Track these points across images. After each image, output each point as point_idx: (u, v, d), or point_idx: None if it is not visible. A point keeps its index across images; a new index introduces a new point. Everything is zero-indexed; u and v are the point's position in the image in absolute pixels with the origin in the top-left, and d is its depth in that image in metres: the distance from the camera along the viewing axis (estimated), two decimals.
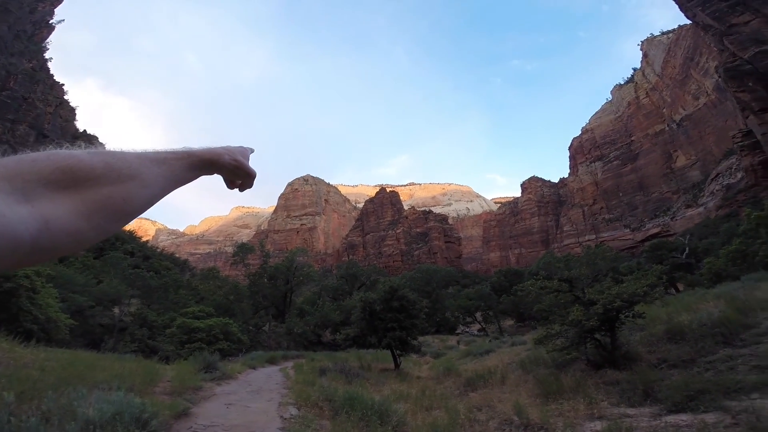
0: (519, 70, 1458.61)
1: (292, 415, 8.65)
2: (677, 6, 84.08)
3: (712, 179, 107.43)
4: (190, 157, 0.87)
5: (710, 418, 6.52)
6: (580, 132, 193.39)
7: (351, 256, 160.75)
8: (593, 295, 12.11)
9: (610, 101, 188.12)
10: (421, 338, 24.34)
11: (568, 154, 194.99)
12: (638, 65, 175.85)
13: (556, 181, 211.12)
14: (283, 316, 41.42)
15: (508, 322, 53.56)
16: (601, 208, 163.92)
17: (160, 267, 52.87)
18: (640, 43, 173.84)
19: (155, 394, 9.28)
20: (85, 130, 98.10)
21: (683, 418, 6.88)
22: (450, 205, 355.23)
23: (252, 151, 1.09)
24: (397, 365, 20.09)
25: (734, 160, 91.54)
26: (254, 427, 7.74)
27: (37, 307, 17.34)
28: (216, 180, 1.02)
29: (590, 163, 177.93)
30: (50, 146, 0.70)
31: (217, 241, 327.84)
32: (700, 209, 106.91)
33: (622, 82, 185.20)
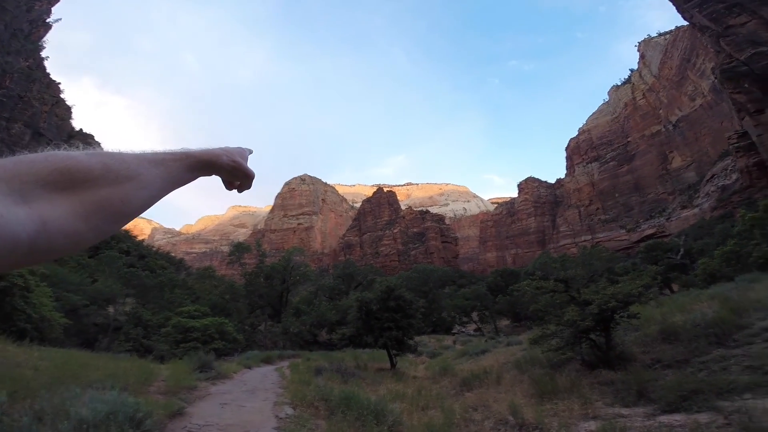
0: (517, 70, 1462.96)
1: (287, 414, 8.64)
2: (674, 7, 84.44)
3: (708, 180, 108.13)
4: (188, 158, 0.87)
5: (703, 418, 6.57)
6: (577, 133, 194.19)
7: (348, 256, 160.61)
8: (588, 296, 12.16)
9: (607, 102, 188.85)
10: (417, 338, 24.35)
11: (565, 155, 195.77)
12: (635, 66, 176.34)
13: (553, 182, 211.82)
14: (279, 316, 41.31)
15: (504, 322, 53.71)
16: (597, 208, 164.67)
17: (155, 266, 52.72)
18: (638, 44, 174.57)
19: (150, 394, 9.24)
20: (81, 129, 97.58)
21: (677, 418, 6.93)
22: (447, 205, 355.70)
23: (250, 152, 1.08)
24: (393, 365, 20.09)
25: (729, 161, 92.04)
26: (249, 427, 7.72)
27: (31, 306, 17.21)
28: (212, 179, 1.01)
29: (587, 163, 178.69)
30: (49, 147, 0.69)
31: (214, 240, 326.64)
32: (696, 210, 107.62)
33: (619, 83, 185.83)
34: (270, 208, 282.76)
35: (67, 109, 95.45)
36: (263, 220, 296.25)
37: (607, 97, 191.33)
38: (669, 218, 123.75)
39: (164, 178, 0.80)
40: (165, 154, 0.83)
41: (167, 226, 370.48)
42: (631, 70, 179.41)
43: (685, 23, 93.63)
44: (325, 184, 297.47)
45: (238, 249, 49.73)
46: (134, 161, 0.75)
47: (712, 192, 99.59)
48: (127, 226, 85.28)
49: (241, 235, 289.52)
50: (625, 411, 7.93)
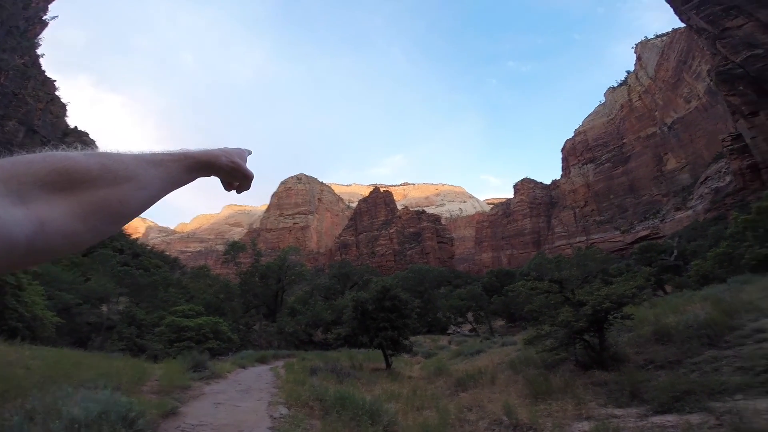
0: (515, 71, 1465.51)
1: (282, 414, 8.61)
2: (672, 9, 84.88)
3: (701, 182, 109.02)
4: (187, 158, 0.86)
5: (695, 418, 6.62)
6: (573, 134, 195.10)
7: (344, 256, 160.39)
8: (583, 297, 12.23)
9: (603, 104, 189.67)
10: (412, 338, 24.39)
11: (561, 156, 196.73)
12: (632, 68, 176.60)
13: (549, 183, 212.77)
14: (274, 315, 41.20)
15: (499, 323, 53.89)
16: (592, 210, 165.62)
17: (149, 265, 52.40)
18: (635, 45, 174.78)
19: (143, 393, 9.19)
20: (75, 127, 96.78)
21: (669, 418, 6.98)
22: (443, 205, 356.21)
23: (249, 153, 1.08)
24: (388, 365, 20.11)
25: (723, 163, 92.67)
26: (243, 427, 7.69)
27: (23, 305, 17.05)
28: (208, 178, 1.00)
29: (582, 165, 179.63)
30: (47, 148, 0.68)
31: (209, 239, 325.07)
32: (689, 212, 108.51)
33: (616, 85, 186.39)
34: (266, 207, 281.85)
35: (62, 107, 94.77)
36: (259, 219, 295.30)
37: (603, 99, 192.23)
38: (663, 220, 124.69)
39: (163, 178, 0.80)
40: (164, 154, 0.83)
41: (162, 225, 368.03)
42: (628, 72, 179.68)
43: (682, 25, 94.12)
44: (322, 183, 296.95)
45: (234, 248, 49.56)
46: (133, 162, 0.74)
47: (706, 194, 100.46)
48: None
49: (237, 234, 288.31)
50: (618, 411, 7.98)
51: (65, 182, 0.63)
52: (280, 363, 20.48)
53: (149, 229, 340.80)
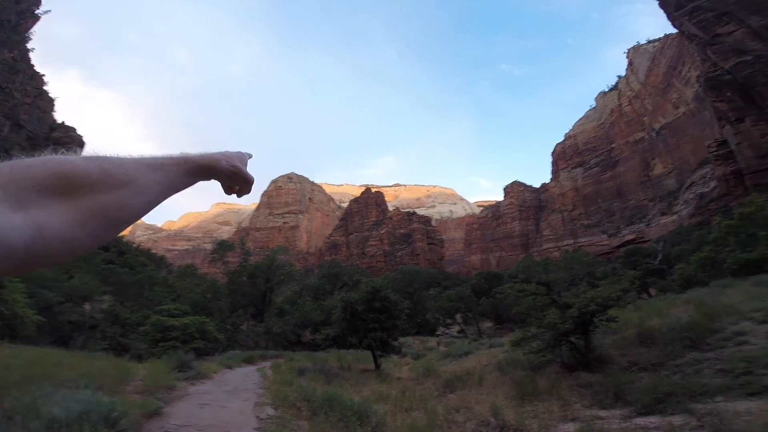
0: (507, 74, 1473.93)
1: (268, 415, 8.54)
2: (665, 15, 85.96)
3: (687, 188, 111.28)
4: (187, 162, 0.85)
5: (677, 420, 6.74)
6: (563, 138, 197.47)
7: (334, 256, 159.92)
8: (569, 299, 12.39)
9: (594, 108, 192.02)
10: (401, 339, 24.39)
11: (551, 160, 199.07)
12: (623, 73, 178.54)
13: (538, 186, 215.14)
14: (262, 316, 40.85)
15: (487, 324, 54.24)
16: (580, 213, 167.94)
17: (135, 263, 51.60)
18: (627, 51, 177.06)
19: (126, 393, 9.03)
20: (63, 122, 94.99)
21: (652, 420, 7.10)
22: (434, 207, 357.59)
23: (250, 156, 1.07)
24: (377, 366, 20.08)
25: (708, 169, 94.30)
26: (229, 427, 7.61)
27: (3, 303, 16.65)
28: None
29: (571, 169, 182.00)
30: (46, 152, 0.68)
31: (196, 237, 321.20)
32: (674, 217, 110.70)
33: (607, 89, 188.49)
34: (255, 205, 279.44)
35: (50, 102, 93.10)
36: (248, 218, 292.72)
37: (594, 103, 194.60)
38: (649, 224, 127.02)
39: (162, 183, 0.79)
40: (163, 158, 0.82)
41: (149, 222, 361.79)
42: (619, 77, 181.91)
43: (675, 31, 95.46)
44: (313, 183, 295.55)
45: (222, 247, 49.06)
46: (132, 166, 0.74)
47: (691, 199, 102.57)
48: None
49: (225, 232, 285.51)
50: (602, 413, 8.09)
51: (64, 187, 0.62)
52: (268, 363, 20.32)
53: (135, 226, 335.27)
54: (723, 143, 71.01)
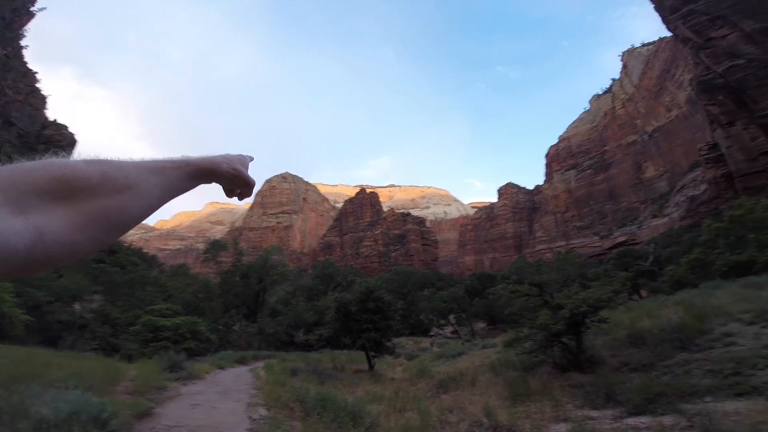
0: (503, 76, 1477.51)
1: (261, 415, 8.49)
2: (660, 18, 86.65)
3: (678, 190, 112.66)
4: (188, 166, 0.85)
5: (667, 420, 6.82)
6: (557, 140, 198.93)
7: (328, 256, 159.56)
8: (561, 300, 12.48)
9: (588, 110, 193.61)
10: (395, 340, 24.40)
11: (545, 162, 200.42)
12: (618, 76, 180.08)
13: (532, 188, 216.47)
14: (254, 316, 40.60)
15: (480, 325, 54.43)
16: (573, 215, 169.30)
17: (126, 262, 51.00)
18: (621, 54, 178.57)
19: (116, 394, 8.92)
20: (55, 120, 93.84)
21: (642, 420, 7.17)
22: (428, 208, 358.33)
23: (251, 159, 1.06)
24: (371, 366, 20.06)
25: (699, 172, 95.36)
26: (221, 428, 7.56)
27: None
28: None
29: (565, 171, 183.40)
30: (47, 155, 0.68)
31: (189, 237, 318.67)
32: (665, 219, 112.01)
33: (601, 92, 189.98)
34: (249, 205, 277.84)
35: (42, 99, 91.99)
36: (241, 217, 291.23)
37: (588, 106, 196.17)
38: (640, 226, 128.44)
39: (163, 186, 0.78)
40: (164, 162, 0.82)
41: None
42: (613, 80, 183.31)
43: (669, 34, 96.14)
44: (307, 183, 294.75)
45: (214, 246, 48.66)
46: (133, 170, 0.73)
47: (682, 202, 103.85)
48: None
49: (218, 232, 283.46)
50: (594, 413, 8.15)
51: (65, 191, 0.62)
52: (260, 364, 20.21)
53: None
54: (714, 146, 71.81)
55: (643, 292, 38.00)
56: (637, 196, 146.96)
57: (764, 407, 6.34)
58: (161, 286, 40.54)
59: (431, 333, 53.89)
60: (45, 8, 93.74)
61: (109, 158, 0.73)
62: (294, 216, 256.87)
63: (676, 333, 10.44)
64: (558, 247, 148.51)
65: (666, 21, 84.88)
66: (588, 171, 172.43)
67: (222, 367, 17.95)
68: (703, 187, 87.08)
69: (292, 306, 41.27)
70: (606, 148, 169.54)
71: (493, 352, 18.48)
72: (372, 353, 20.19)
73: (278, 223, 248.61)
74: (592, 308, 11.36)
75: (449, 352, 23.15)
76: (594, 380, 9.64)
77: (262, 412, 8.84)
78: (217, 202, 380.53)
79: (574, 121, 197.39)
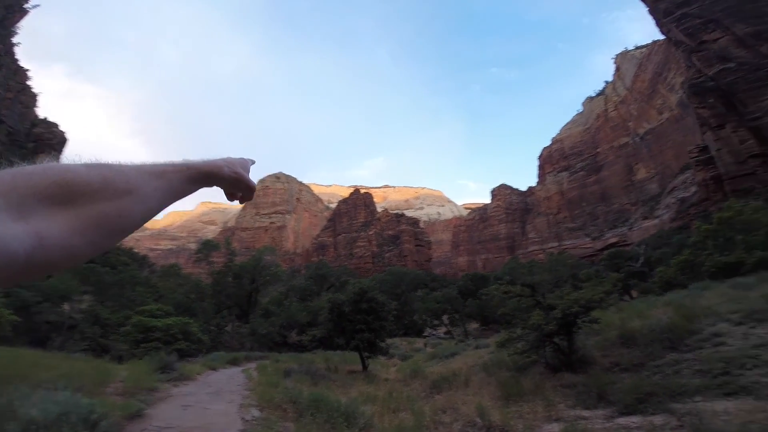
0: (498, 77, 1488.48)
1: (254, 416, 8.44)
2: (654, 22, 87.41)
3: (668, 192, 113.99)
4: (189, 169, 0.84)
5: (658, 420, 6.89)
6: (550, 142, 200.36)
7: (321, 257, 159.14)
8: (553, 301, 12.57)
9: (581, 113, 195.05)
10: (389, 340, 24.39)
11: (538, 164, 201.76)
12: (611, 78, 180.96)
13: (525, 190, 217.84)
14: (247, 317, 40.35)
15: (474, 325, 54.61)
16: (565, 217, 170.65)
17: (116, 262, 50.32)
18: (615, 56, 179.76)
19: (106, 395, 8.82)
20: (45, 118, 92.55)
21: (634, 420, 7.24)
22: (422, 209, 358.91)
23: (253, 162, 1.06)
24: (364, 367, 20.02)
25: (689, 174, 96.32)
26: (213, 429, 7.49)
27: None
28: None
29: (557, 172, 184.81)
30: (48, 159, 0.68)
31: (181, 236, 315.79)
32: (656, 221, 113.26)
33: (594, 95, 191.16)
34: (242, 205, 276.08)
35: (33, 97, 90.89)
36: (234, 217, 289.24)
37: (581, 108, 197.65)
38: (631, 228, 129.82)
39: (164, 190, 0.78)
40: (165, 165, 0.81)
41: None
42: (606, 82, 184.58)
43: (662, 37, 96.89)
44: (301, 183, 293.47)
45: (206, 247, 48.18)
46: (134, 174, 0.73)
47: (672, 204, 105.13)
48: None
49: (210, 232, 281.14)
50: (586, 413, 8.21)
51: (65, 195, 0.62)
52: (253, 365, 20.10)
53: None
54: (704, 149, 72.73)
55: (634, 293, 38.42)
56: (629, 198, 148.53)
57: (753, 406, 6.43)
58: (152, 287, 40.12)
59: (425, 333, 53.94)
60: (38, 5, 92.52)
61: (109, 162, 0.72)
62: (287, 216, 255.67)
63: (666, 333, 10.57)
64: (550, 248, 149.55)
65: (659, 24, 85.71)
66: (580, 173, 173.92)
67: (214, 368, 17.83)
68: (693, 189, 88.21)
69: (285, 307, 41.07)
70: (598, 150, 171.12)
71: (486, 352, 18.55)
72: (365, 354, 20.14)
73: (271, 223, 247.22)
74: (584, 309, 11.46)
75: (442, 353, 23.19)
76: (586, 380, 9.71)
77: (255, 413, 8.78)
78: (210, 202, 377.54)
79: (567, 123, 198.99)
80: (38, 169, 0.62)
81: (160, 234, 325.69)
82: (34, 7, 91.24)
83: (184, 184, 0.83)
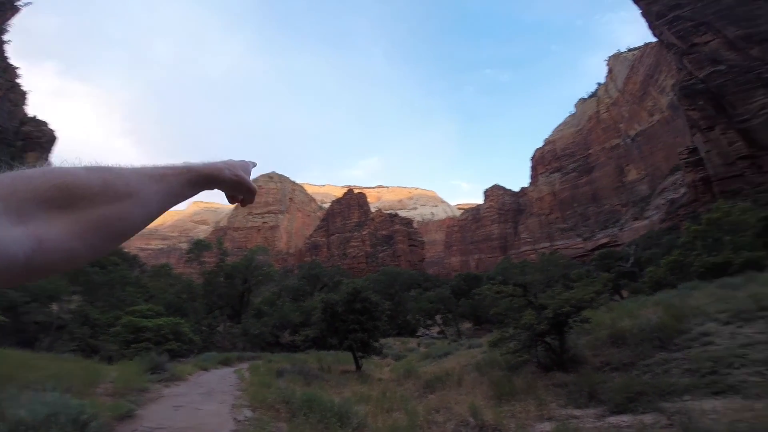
0: (492, 79, 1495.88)
1: (246, 417, 8.39)
2: (647, 24, 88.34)
3: (658, 194, 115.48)
4: (189, 172, 0.83)
5: (648, 419, 6.98)
6: (543, 143, 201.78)
7: (314, 257, 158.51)
8: (545, 300, 12.66)
9: (573, 114, 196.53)
10: (382, 340, 24.39)
11: (530, 165, 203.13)
12: (603, 80, 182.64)
13: (517, 191, 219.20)
14: (239, 317, 40.10)
15: (466, 325, 54.87)
16: (557, 217, 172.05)
17: (106, 262, 49.54)
18: (607, 58, 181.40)
19: (96, 396, 8.70)
20: (34, 116, 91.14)
21: (624, 419, 7.32)
22: (415, 209, 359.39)
23: (254, 165, 1.05)
24: (358, 367, 20.00)
25: (679, 176, 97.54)
26: (205, 430, 7.44)
27: None
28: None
29: (550, 174, 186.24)
30: (47, 162, 0.68)
31: (172, 236, 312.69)
32: (646, 222, 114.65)
33: (586, 96, 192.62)
34: (234, 205, 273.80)
35: (22, 95, 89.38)
36: (226, 217, 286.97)
37: (574, 109, 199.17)
38: (622, 228, 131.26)
39: (164, 193, 0.77)
40: (165, 168, 0.80)
41: None
42: (599, 84, 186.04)
43: (654, 40, 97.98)
44: (294, 182, 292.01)
45: (198, 246, 47.78)
46: (134, 177, 0.72)
47: (662, 205, 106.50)
48: None
49: (202, 232, 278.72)
50: (577, 412, 8.29)
51: (65, 199, 0.62)
52: (245, 365, 19.98)
53: None
54: (693, 151, 73.76)
55: (624, 293, 38.83)
56: (619, 199, 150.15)
57: (740, 405, 6.54)
58: (143, 287, 39.66)
59: (418, 333, 54.06)
60: (31, 2, 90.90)
61: (109, 165, 0.72)
62: (280, 216, 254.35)
63: (656, 333, 10.70)
64: (542, 248, 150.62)
65: (652, 26, 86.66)
66: (572, 174, 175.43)
67: (206, 369, 17.69)
68: (683, 190, 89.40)
69: (278, 307, 40.90)
70: (590, 151, 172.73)
71: (478, 352, 18.64)
72: (359, 354, 20.14)
73: (264, 223, 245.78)
74: (575, 308, 11.56)
75: (436, 353, 23.24)
76: (577, 379, 9.80)
77: (247, 413, 8.73)
78: (202, 202, 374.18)
79: (560, 125, 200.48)
80: (38, 173, 0.62)
81: (151, 233, 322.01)
82: (26, 4, 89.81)
83: (184, 187, 0.82)
